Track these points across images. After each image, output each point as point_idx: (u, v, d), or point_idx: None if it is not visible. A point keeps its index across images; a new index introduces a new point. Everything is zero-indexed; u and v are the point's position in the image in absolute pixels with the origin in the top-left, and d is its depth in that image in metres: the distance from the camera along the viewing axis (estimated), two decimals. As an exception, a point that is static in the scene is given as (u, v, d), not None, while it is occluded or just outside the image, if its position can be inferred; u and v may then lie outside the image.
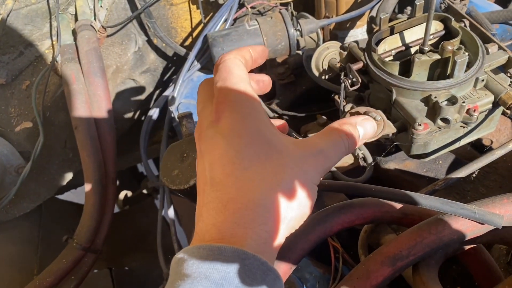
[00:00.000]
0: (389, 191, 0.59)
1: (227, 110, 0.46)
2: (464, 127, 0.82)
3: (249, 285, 0.40)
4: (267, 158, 0.45)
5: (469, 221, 0.58)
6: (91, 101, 1.18)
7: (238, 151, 0.45)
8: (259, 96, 0.53)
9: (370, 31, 1.04)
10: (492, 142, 0.96)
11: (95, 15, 1.25)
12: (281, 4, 1.31)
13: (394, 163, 0.96)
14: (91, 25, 1.22)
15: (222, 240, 0.42)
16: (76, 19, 1.26)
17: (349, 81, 0.85)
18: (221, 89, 0.47)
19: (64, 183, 1.42)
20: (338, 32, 1.28)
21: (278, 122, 0.58)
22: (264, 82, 0.56)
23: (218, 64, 0.49)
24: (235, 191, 0.44)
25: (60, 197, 1.72)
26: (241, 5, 1.32)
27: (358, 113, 0.79)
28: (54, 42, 1.25)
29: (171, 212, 1.25)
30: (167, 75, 1.52)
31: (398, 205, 0.68)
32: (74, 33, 1.25)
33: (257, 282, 0.41)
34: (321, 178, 0.49)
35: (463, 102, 0.76)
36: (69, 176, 1.42)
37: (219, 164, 0.45)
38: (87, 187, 1.17)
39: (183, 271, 0.40)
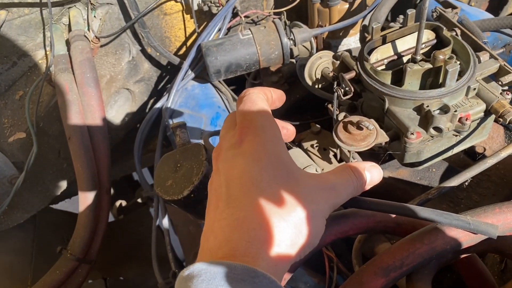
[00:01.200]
0: (383, 203, 0.58)
1: (250, 134, 0.49)
2: (456, 135, 0.83)
3: None
4: (284, 184, 0.47)
5: (462, 231, 0.58)
6: (84, 111, 1.17)
7: (257, 172, 0.46)
8: None
9: (363, 40, 1.04)
10: (485, 149, 0.96)
11: (88, 25, 1.25)
12: (275, 14, 1.32)
13: (387, 171, 0.96)
14: (85, 35, 1.22)
15: (233, 257, 0.43)
16: (69, 30, 1.26)
17: (342, 90, 0.86)
18: (245, 116, 0.50)
19: (58, 193, 1.42)
20: (331, 41, 1.29)
21: (289, 126, 0.59)
22: (288, 130, 0.59)
23: (243, 96, 0.53)
24: (251, 210, 0.45)
25: (55, 206, 1.71)
26: (234, 15, 1.33)
27: (351, 122, 0.79)
28: (47, 53, 1.25)
29: (165, 222, 1.25)
30: (161, 84, 1.52)
31: (392, 215, 0.68)
32: (67, 43, 1.25)
33: None
34: (330, 213, 0.51)
35: (455, 111, 0.76)
36: (63, 186, 1.41)
37: (238, 183, 0.47)
38: (81, 197, 1.16)
39: (193, 286, 0.40)
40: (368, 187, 0.56)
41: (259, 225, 0.44)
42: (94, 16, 1.26)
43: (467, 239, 0.59)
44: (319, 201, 0.48)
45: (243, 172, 0.47)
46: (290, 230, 0.45)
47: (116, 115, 1.44)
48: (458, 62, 0.77)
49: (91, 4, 1.24)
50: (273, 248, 0.44)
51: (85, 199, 1.16)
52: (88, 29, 1.25)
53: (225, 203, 0.46)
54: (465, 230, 0.58)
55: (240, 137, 0.49)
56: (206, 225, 0.48)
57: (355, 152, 0.95)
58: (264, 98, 0.53)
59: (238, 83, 1.53)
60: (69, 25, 1.26)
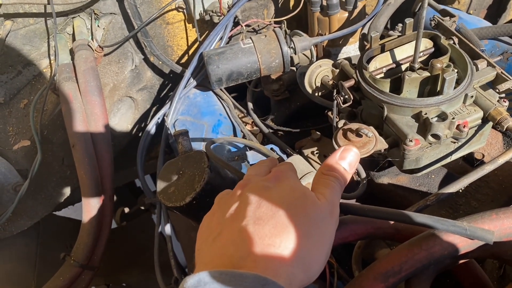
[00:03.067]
0: (382, 211, 0.60)
1: (282, 176, 0.58)
2: (454, 142, 0.84)
3: None
4: (306, 214, 0.52)
5: (459, 237, 0.59)
6: (88, 119, 1.19)
7: (287, 203, 0.53)
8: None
9: (362, 48, 1.06)
10: (483, 155, 0.97)
11: (92, 34, 1.27)
12: (275, 22, 1.34)
13: (387, 178, 0.97)
14: (89, 45, 1.24)
15: (254, 268, 0.46)
16: (73, 39, 1.27)
17: (342, 98, 0.87)
18: (280, 166, 0.62)
19: (62, 200, 1.43)
20: (331, 49, 1.31)
21: None
22: None
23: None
24: (274, 230, 0.49)
25: (58, 213, 1.72)
26: (236, 24, 1.34)
27: (350, 130, 0.81)
28: (52, 62, 1.27)
29: (168, 228, 1.26)
30: (164, 92, 1.54)
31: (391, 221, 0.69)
32: (71, 52, 1.26)
33: None
34: None
35: (453, 118, 0.77)
36: (66, 193, 1.42)
37: (268, 206, 0.52)
38: (84, 204, 1.17)
39: None
40: (352, 170, 0.62)
41: (284, 246, 0.48)
42: (98, 26, 1.28)
43: (464, 245, 0.60)
44: (332, 229, 0.54)
45: (275, 199, 0.53)
46: (305, 254, 0.50)
47: (119, 123, 1.46)
48: (456, 70, 0.79)
49: (95, 14, 1.26)
50: (289, 268, 0.48)
51: (89, 206, 1.17)
52: (92, 39, 1.27)
53: (251, 219, 0.51)
54: (462, 236, 0.59)
55: (275, 175, 0.58)
56: (215, 233, 0.52)
57: (355, 159, 0.96)
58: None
59: (240, 91, 1.54)
60: (73, 34, 1.28)
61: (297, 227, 0.50)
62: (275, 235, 0.49)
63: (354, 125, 0.82)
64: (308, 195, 0.55)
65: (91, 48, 1.24)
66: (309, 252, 0.50)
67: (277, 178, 0.57)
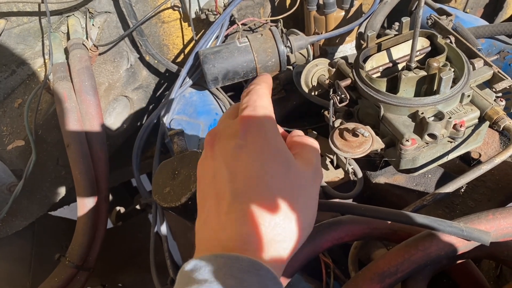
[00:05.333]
0: (378, 210, 0.59)
1: (254, 128, 0.50)
2: (451, 142, 0.84)
3: None
4: (287, 177, 0.48)
5: (455, 238, 0.59)
6: (83, 119, 1.18)
7: (261, 166, 0.48)
8: None
9: (358, 47, 1.05)
10: (480, 155, 0.97)
11: (87, 33, 1.26)
12: (271, 21, 1.33)
13: (384, 177, 0.97)
14: (83, 44, 1.23)
15: (244, 250, 0.44)
16: (68, 38, 1.26)
17: (338, 97, 0.87)
18: (249, 108, 0.52)
19: (57, 200, 1.42)
20: (327, 48, 1.30)
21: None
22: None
23: (249, 91, 0.55)
24: (259, 206, 0.46)
25: (53, 213, 1.71)
26: (232, 22, 1.34)
27: (347, 129, 0.80)
28: (46, 61, 1.26)
29: (164, 228, 1.25)
30: (160, 92, 1.53)
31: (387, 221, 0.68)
32: (66, 51, 1.25)
33: None
34: None
35: (450, 118, 0.77)
36: (62, 193, 1.41)
37: (243, 177, 0.47)
38: (79, 205, 1.16)
39: (200, 277, 0.41)
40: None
41: (267, 222, 0.45)
42: (93, 25, 1.27)
43: (461, 246, 0.60)
44: (315, 189, 0.52)
45: (248, 166, 0.48)
46: (293, 225, 0.47)
47: (115, 122, 1.45)
48: (452, 70, 0.78)
49: (90, 12, 1.25)
50: (278, 243, 0.46)
51: (84, 206, 1.17)
52: (87, 38, 1.26)
53: (232, 197, 0.46)
54: (459, 237, 0.58)
55: (243, 128, 0.50)
56: (204, 215, 0.49)
57: (351, 158, 0.96)
58: (269, 94, 0.55)
59: (236, 90, 1.53)
60: (68, 33, 1.27)
61: (282, 197, 0.47)
62: (260, 213, 0.45)
63: (350, 125, 0.81)
64: (288, 157, 0.50)
65: (86, 47, 1.23)
66: (300, 214, 0.48)
67: (247, 132, 0.49)
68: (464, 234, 0.57)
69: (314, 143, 0.57)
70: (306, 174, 0.51)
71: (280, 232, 0.46)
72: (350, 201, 1.03)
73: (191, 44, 1.44)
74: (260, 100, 0.52)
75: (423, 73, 0.81)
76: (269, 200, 0.46)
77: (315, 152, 0.55)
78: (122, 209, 1.85)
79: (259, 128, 0.50)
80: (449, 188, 0.74)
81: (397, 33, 0.90)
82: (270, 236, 0.45)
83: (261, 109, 0.51)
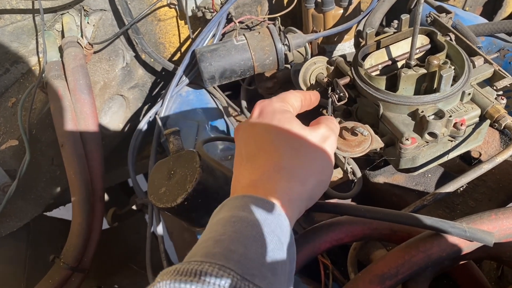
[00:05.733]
0: (379, 211, 0.58)
1: (264, 109, 0.64)
2: (451, 140, 0.82)
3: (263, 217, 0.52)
4: (289, 138, 0.61)
5: (457, 239, 0.58)
6: (77, 118, 1.16)
7: (269, 133, 0.61)
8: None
9: (357, 45, 1.04)
10: (480, 154, 0.96)
11: (81, 31, 1.24)
12: (269, 19, 1.31)
13: (383, 177, 0.95)
14: (78, 42, 1.21)
15: (256, 192, 0.56)
16: (62, 36, 1.25)
17: (337, 96, 0.85)
18: (268, 100, 0.67)
19: (52, 200, 1.40)
20: (326, 46, 1.29)
21: (312, 95, 0.74)
22: (311, 98, 0.74)
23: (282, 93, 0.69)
24: (264, 162, 0.59)
25: (49, 213, 1.69)
26: (229, 20, 1.32)
27: (345, 128, 0.79)
28: (40, 59, 1.24)
29: (160, 229, 1.23)
30: (156, 90, 1.51)
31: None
32: (60, 49, 1.24)
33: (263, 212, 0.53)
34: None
35: (450, 116, 0.76)
36: (57, 193, 1.40)
37: (253, 143, 0.62)
38: (74, 205, 1.15)
39: (223, 208, 0.56)
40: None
41: (275, 169, 0.57)
42: (88, 23, 1.25)
43: (463, 247, 0.59)
44: (320, 148, 0.62)
45: (259, 133, 0.62)
46: (298, 169, 0.58)
47: (110, 122, 1.43)
48: (453, 67, 0.77)
49: (85, 10, 1.23)
50: (285, 183, 0.56)
51: (78, 207, 1.15)
52: (81, 36, 1.24)
53: (245, 160, 0.61)
54: (462, 238, 0.57)
55: (256, 110, 0.65)
56: (234, 175, 0.63)
57: (350, 158, 0.94)
58: (299, 99, 0.69)
59: (233, 89, 1.52)
60: (62, 31, 1.25)
61: (284, 150, 0.59)
62: (266, 165, 0.58)
63: (349, 124, 0.80)
64: (290, 117, 0.62)
65: (81, 45, 1.22)
66: (301, 167, 0.58)
67: (261, 113, 0.64)
68: (467, 235, 0.56)
69: (327, 117, 0.68)
70: (311, 136, 0.61)
71: (283, 176, 0.57)
72: (349, 201, 1.02)
73: (188, 42, 1.42)
74: (283, 96, 0.67)
75: (423, 71, 0.79)
76: (273, 154, 0.59)
77: (327, 121, 0.66)
78: (119, 210, 1.83)
79: (267, 109, 0.64)
80: (450, 187, 0.72)
81: (396, 30, 0.88)
82: (275, 179, 0.56)
83: (276, 99, 0.66)
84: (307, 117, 1.29)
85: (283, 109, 0.64)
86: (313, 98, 0.74)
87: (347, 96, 0.84)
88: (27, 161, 1.19)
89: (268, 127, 0.61)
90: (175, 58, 1.45)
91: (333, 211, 0.64)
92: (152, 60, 1.41)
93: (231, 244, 0.48)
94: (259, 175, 0.58)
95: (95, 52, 1.29)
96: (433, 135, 0.74)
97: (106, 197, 2.01)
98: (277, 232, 0.51)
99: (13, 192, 1.20)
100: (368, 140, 0.78)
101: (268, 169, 0.58)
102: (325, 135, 0.64)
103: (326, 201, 0.67)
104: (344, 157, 0.93)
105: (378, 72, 0.86)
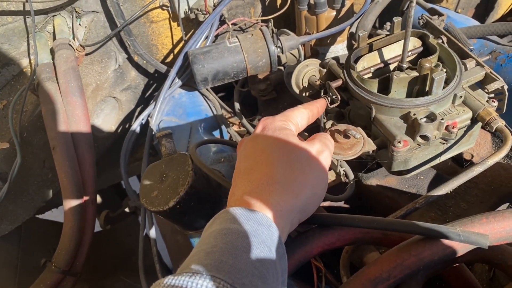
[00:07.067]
0: (372, 220, 0.58)
1: (266, 126, 0.67)
2: (443, 143, 0.82)
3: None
4: (284, 153, 0.62)
5: (449, 242, 0.58)
6: (69, 120, 1.15)
7: (267, 147, 0.64)
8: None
9: (350, 47, 1.04)
10: (472, 156, 0.96)
11: (73, 33, 1.23)
12: (262, 21, 1.31)
13: (375, 179, 0.95)
14: (69, 44, 1.20)
15: (249, 205, 0.57)
16: (54, 38, 1.24)
17: (329, 98, 0.85)
18: (271, 117, 0.69)
19: (44, 203, 1.39)
20: (319, 48, 1.29)
21: (318, 103, 0.79)
22: (318, 108, 0.79)
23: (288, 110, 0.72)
24: (259, 176, 0.61)
25: (41, 216, 1.68)
26: (222, 22, 1.32)
27: (338, 131, 0.79)
28: (32, 61, 1.23)
29: (153, 232, 1.23)
30: (149, 92, 1.51)
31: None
32: (52, 52, 1.23)
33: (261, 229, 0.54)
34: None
35: (442, 119, 0.76)
36: (48, 196, 1.39)
37: (252, 157, 0.64)
38: (66, 208, 1.14)
39: (215, 221, 0.56)
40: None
41: (270, 181, 0.59)
42: (79, 24, 1.24)
43: (455, 250, 0.59)
44: (316, 161, 0.64)
45: (259, 147, 0.64)
46: (291, 183, 0.59)
47: (103, 124, 1.42)
48: (445, 70, 0.77)
49: (76, 12, 1.23)
50: (277, 196, 0.58)
51: (70, 210, 1.14)
52: (73, 38, 1.23)
53: (242, 173, 0.63)
54: (456, 241, 0.57)
55: (259, 127, 0.68)
56: (231, 188, 0.64)
57: (343, 160, 0.94)
58: (306, 115, 0.73)
59: (226, 91, 1.52)
60: (54, 33, 1.24)
61: (279, 164, 0.61)
62: (260, 178, 0.60)
63: (342, 126, 0.80)
64: (288, 134, 0.65)
65: (72, 47, 1.21)
66: (295, 180, 0.60)
67: (263, 129, 0.67)
68: (462, 239, 0.56)
69: (322, 134, 0.72)
70: (306, 150, 0.63)
71: (277, 189, 0.58)
72: (341, 203, 1.01)
73: (181, 44, 1.42)
74: (287, 114, 0.70)
75: (415, 73, 0.79)
76: (269, 168, 0.61)
77: (321, 137, 0.69)
78: (111, 213, 1.82)
79: (270, 126, 0.66)
80: (442, 190, 0.72)
81: (388, 33, 0.88)
82: (268, 191, 0.58)
83: (280, 117, 0.69)
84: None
85: (284, 126, 0.67)
86: (320, 109, 0.78)
87: (340, 98, 0.84)
88: (18, 164, 1.18)
89: (267, 143, 0.64)
90: (168, 60, 1.45)
91: (326, 223, 0.65)
92: (144, 62, 1.40)
93: (222, 255, 0.49)
94: (253, 187, 0.59)
95: (87, 54, 1.28)
96: (425, 137, 0.74)
97: (99, 199, 2.00)
98: (268, 243, 0.52)
99: (4, 195, 1.19)
100: (361, 143, 0.78)
101: (262, 182, 0.59)
102: (320, 149, 0.66)
103: (320, 213, 0.67)
104: (337, 159, 0.93)
105: (370, 75, 0.86)
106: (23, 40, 1.21)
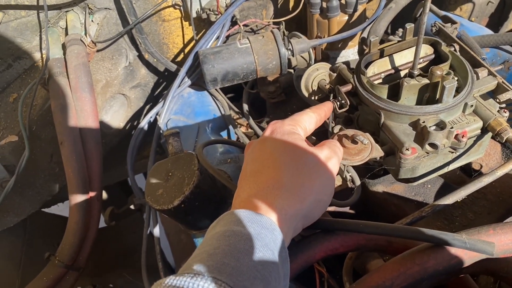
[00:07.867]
0: (377, 226, 0.57)
1: (274, 130, 0.68)
2: (452, 152, 0.81)
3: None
4: (292, 157, 0.63)
5: (454, 252, 0.57)
6: (78, 116, 1.16)
7: (272, 152, 0.64)
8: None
9: (361, 52, 1.03)
10: (481, 166, 0.95)
11: (85, 29, 1.24)
12: (274, 23, 1.31)
13: (382, 186, 0.95)
14: (81, 40, 1.21)
15: (255, 208, 0.57)
16: (66, 33, 1.25)
17: (338, 103, 0.85)
18: (281, 120, 0.70)
19: (50, 197, 1.40)
20: (329, 52, 1.28)
21: (325, 106, 0.79)
22: (325, 111, 0.79)
23: (297, 114, 0.73)
24: (265, 179, 0.61)
25: (47, 210, 1.69)
26: (233, 23, 1.32)
27: (346, 136, 0.78)
28: (43, 56, 1.24)
29: (157, 230, 1.23)
30: (158, 91, 1.51)
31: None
32: (63, 47, 1.24)
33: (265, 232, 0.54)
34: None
35: (452, 128, 0.75)
36: (55, 190, 1.39)
37: (260, 161, 0.64)
38: (71, 203, 1.14)
39: (219, 223, 0.57)
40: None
41: (276, 185, 0.59)
42: (92, 21, 1.25)
43: (460, 260, 0.58)
44: (324, 166, 0.64)
45: (267, 151, 0.64)
46: (297, 188, 0.59)
47: (111, 120, 1.43)
48: (456, 78, 0.76)
49: (89, 8, 1.23)
50: (282, 201, 0.58)
51: (75, 205, 1.14)
52: (85, 34, 1.24)
53: (249, 175, 0.63)
54: (462, 249, 0.56)
55: (270, 130, 0.68)
56: (236, 190, 0.64)
57: (350, 166, 0.93)
58: (314, 119, 0.73)
59: (236, 92, 1.51)
60: (66, 29, 1.25)
61: (286, 168, 0.61)
62: (267, 181, 0.60)
63: (350, 131, 0.79)
64: (297, 138, 0.65)
65: (84, 43, 1.21)
66: (302, 185, 0.60)
67: (272, 133, 0.67)
68: (468, 246, 0.55)
69: (331, 140, 0.72)
70: (314, 155, 0.64)
71: (282, 193, 0.58)
72: (347, 208, 1.01)
73: (191, 44, 1.42)
74: (296, 118, 0.71)
75: (425, 81, 0.79)
76: (275, 172, 0.61)
77: (330, 144, 0.69)
78: (116, 209, 1.82)
79: (278, 130, 0.67)
80: (449, 200, 0.72)
81: (400, 39, 0.88)
82: (273, 195, 0.58)
83: (288, 121, 0.69)
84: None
85: (293, 131, 0.67)
86: (327, 112, 0.78)
87: (349, 103, 0.83)
88: (26, 157, 1.18)
89: (275, 147, 0.64)
90: (178, 59, 1.45)
91: (330, 228, 0.64)
92: (155, 60, 1.40)
93: (224, 257, 0.49)
94: (259, 190, 0.59)
95: (98, 51, 1.28)
96: (433, 146, 0.74)
97: (104, 195, 2.01)
98: (271, 246, 0.52)
99: (11, 188, 1.20)
100: (368, 149, 0.77)
101: (268, 185, 0.59)
102: (328, 156, 0.66)
103: (324, 218, 0.66)
104: (343, 165, 0.93)
105: (380, 81, 0.85)
106: (35, 35, 1.22)
